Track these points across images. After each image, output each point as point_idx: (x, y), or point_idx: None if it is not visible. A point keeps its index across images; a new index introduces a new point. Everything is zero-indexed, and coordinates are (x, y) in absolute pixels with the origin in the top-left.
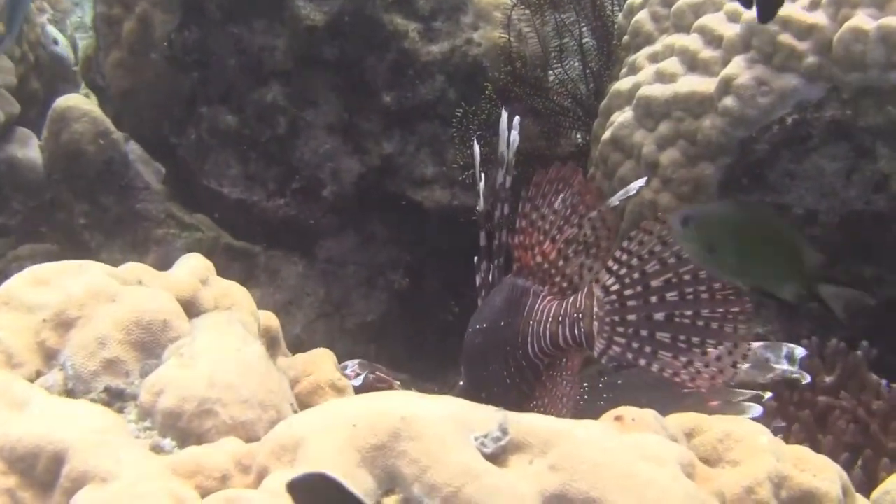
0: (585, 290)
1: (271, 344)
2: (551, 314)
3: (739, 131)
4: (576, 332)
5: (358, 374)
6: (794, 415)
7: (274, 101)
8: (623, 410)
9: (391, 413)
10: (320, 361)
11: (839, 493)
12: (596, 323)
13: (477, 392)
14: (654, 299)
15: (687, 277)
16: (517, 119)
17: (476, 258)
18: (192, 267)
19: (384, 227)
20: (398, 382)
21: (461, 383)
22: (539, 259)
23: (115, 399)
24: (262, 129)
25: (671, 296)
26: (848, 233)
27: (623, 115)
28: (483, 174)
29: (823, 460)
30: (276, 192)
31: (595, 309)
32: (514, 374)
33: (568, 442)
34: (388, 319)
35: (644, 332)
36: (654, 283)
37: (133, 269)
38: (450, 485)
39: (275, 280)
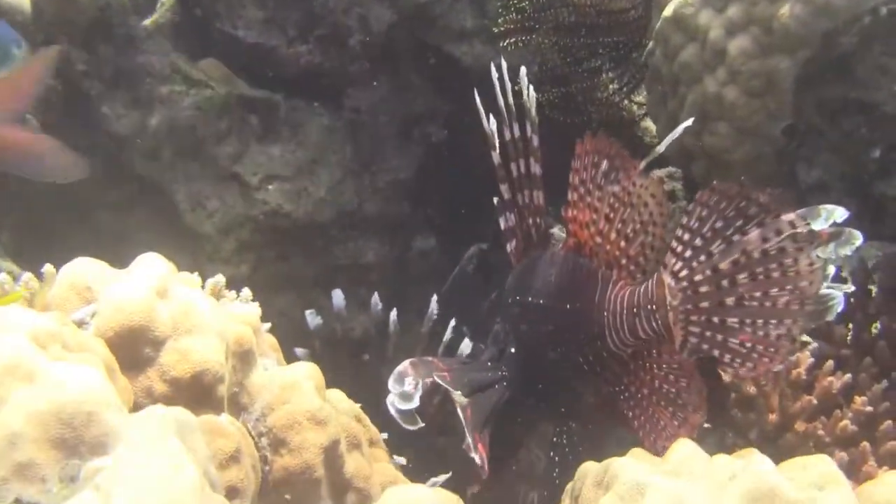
0: (655, 277)
1: (243, 359)
2: (626, 304)
3: (823, 22)
4: (653, 324)
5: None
6: None
7: None
8: None
9: None
10: (300, 385)
11: None
12: (671, 314)
13: (536, 369)
14: (725, 283)
15: (756, 255)
16: (523, 70)
17: (497, 200)
18: (149, 277)
19: (419, 77)
20: (458, 394)
21: (512, 350)
22: (598, 240)
23: None
24: None
25: (742, 278)
26: None
27: None
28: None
29: None
30: (297, 38)
31: (668, 299)
32: (593, 364)
33: None
34: (424, 175)
35: (716, 320)
36: (724, 266)
37: (77, 279)
38: None
39: (297, 135)
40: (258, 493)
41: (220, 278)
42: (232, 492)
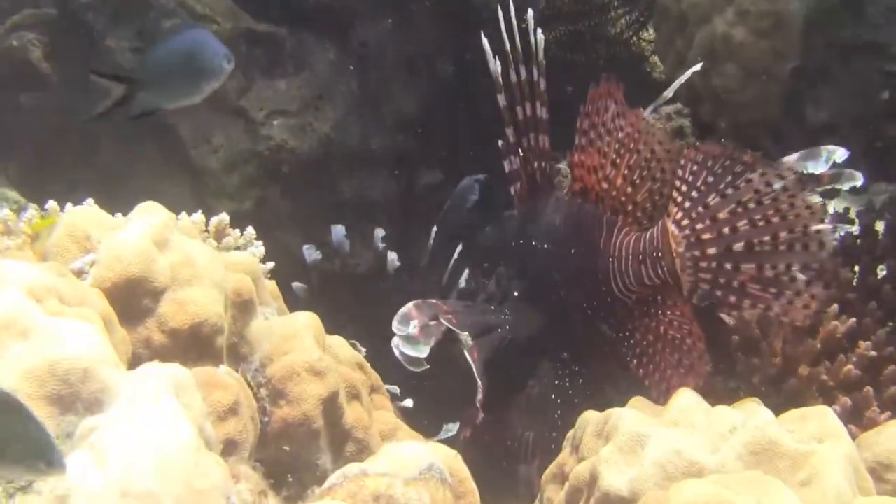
0: (660, 225)
1: (243, 309)
2: (631, 251)
3: None
4: (659, 271)
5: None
6: None
7: None
8: None
9: None
10: (300, 335)
11: None
12: (678, 261)
13: (539, 313)
14: (726, 230)
15: (751, 205)
16: (531, 13)
17: (501, 143)
18: (148, 226)
19: (427, 12)
20: (466, 335)
21: (515, 294)
22: (605, 186)
23: None
24: None
25: (742, 225)
26: None
27: None
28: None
29: None
30: None
31: (673, 246)
32: (596, 309)
33: None
34: (430, 111)
35: (728, 266)
36: (722, 216)
37: (76, 228)
38: None
39: (302, 70)
40: (257, 445)
41: (223, 217)
42: (230, 444)
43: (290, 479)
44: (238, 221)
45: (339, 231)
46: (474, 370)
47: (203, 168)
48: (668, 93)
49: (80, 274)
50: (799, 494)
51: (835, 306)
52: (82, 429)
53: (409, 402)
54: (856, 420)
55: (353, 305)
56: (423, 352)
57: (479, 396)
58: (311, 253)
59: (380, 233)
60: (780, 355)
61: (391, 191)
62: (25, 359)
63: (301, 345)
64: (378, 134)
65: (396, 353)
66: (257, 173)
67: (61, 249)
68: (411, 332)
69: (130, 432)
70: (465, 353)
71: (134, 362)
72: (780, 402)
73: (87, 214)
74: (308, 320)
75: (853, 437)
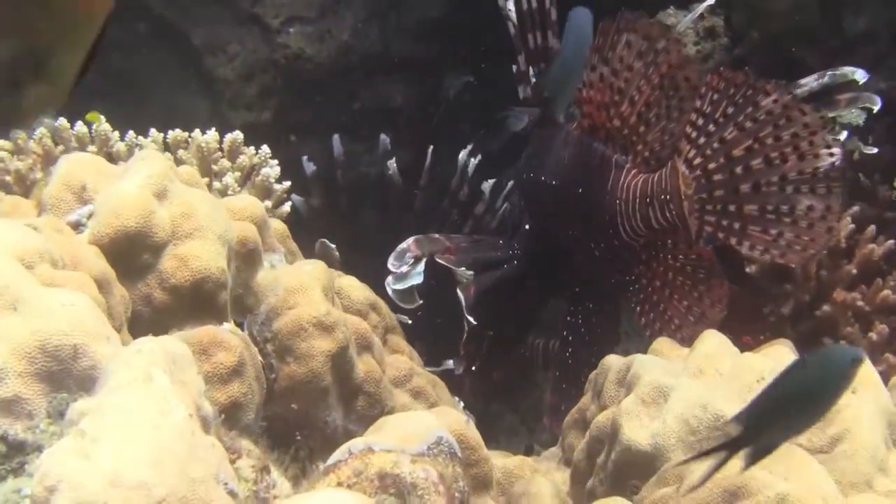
0: (669, 165)
1: (247, 260)
2: (639, 193)
3: None
4: (667, 213)
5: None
6: None
7: None
8: None
9: None
10: (306, 288)
11: None
12: (686, 204)
13: (548, 248)
14: (739, 169)
15: (769, 141)
16: None
17: (515, 67)
18: (147, 177)
19: None
20: (464, 270)
21: (527, 227)
22: (617, 123)
23: (15, 452)
24: None
25: (756, 163)
26: None
27: None
28: None
29: None
30: None
31: (682, 188)
32: (605, 251)
33: None
34: (453, 16)
35: (732, 207)
36: (737, 152)
37: (73, 178)
38: None
39: None
40: (264, 403)
41: (237, 135)
42: (234, 407)
43: (299, 438)
44: (255, 132)
45: (337, 141)
46: (464, 309)
47: (219, 77)
48: (683, 24)
49: (77, 227)
50: (830, 452)
51: (872, 227)
52: (73, 412)
53: (405, 318)
54: (892, 348)
55: (355, 216)
56: (411, 285)
57: (464, 339)
58: (309, 165)
59: (385, 139)
60: (814, 279)
61: (413, 99)
62: (15, 333)
63: (308, 298)
64: (400, 39)
65: (389, 291)
66: (274, 83)
67: (58, 201)
68: (403, 268)
69: (122, 418)
70: (458, 290)
71: (134, 320)
72: (814, 331)
73: (84, 162)
74: (315, 271)
75: (889, 368)
